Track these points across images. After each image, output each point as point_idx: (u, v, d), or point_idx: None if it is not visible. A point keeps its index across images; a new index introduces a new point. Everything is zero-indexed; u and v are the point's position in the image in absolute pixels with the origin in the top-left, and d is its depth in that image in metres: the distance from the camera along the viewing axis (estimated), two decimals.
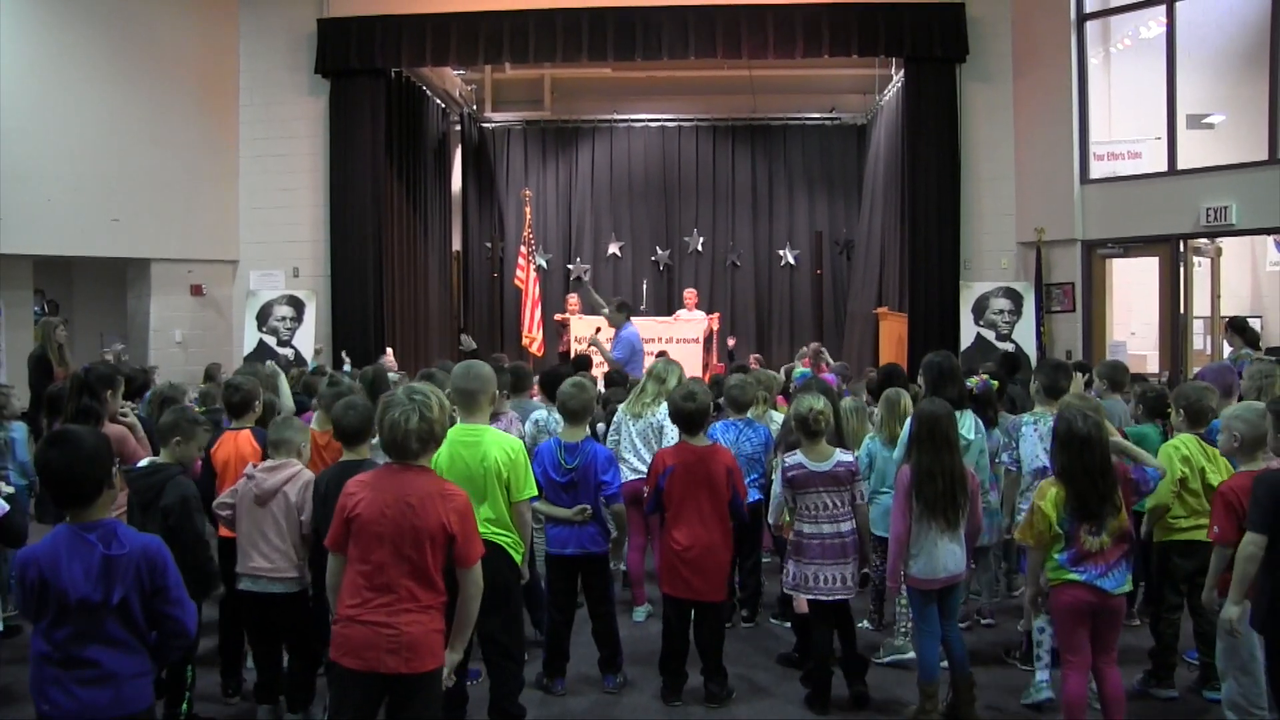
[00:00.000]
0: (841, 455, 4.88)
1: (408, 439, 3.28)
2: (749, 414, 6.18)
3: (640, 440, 6.11)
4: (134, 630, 2.92)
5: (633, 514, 6.15)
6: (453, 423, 4.48)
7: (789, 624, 5.72)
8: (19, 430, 6.06)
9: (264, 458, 4.78)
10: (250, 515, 4.57)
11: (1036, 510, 4.11)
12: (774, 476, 5.48)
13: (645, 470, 5.88)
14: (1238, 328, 8.37)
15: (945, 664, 4.76)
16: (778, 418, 6.58)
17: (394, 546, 3.23)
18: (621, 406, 6.31)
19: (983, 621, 5.99)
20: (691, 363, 11.30)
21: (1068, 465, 4.06)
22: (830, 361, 10.09)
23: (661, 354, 11.02)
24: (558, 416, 5.46)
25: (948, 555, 4.55)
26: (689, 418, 4.99)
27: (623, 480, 6.00)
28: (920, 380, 5.63)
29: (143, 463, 4.59)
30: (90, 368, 5.35)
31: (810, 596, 4.79)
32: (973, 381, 5.59)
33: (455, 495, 3.36)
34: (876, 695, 4.96)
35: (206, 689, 4.99)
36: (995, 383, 5.92)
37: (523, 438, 5.47)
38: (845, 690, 4.92)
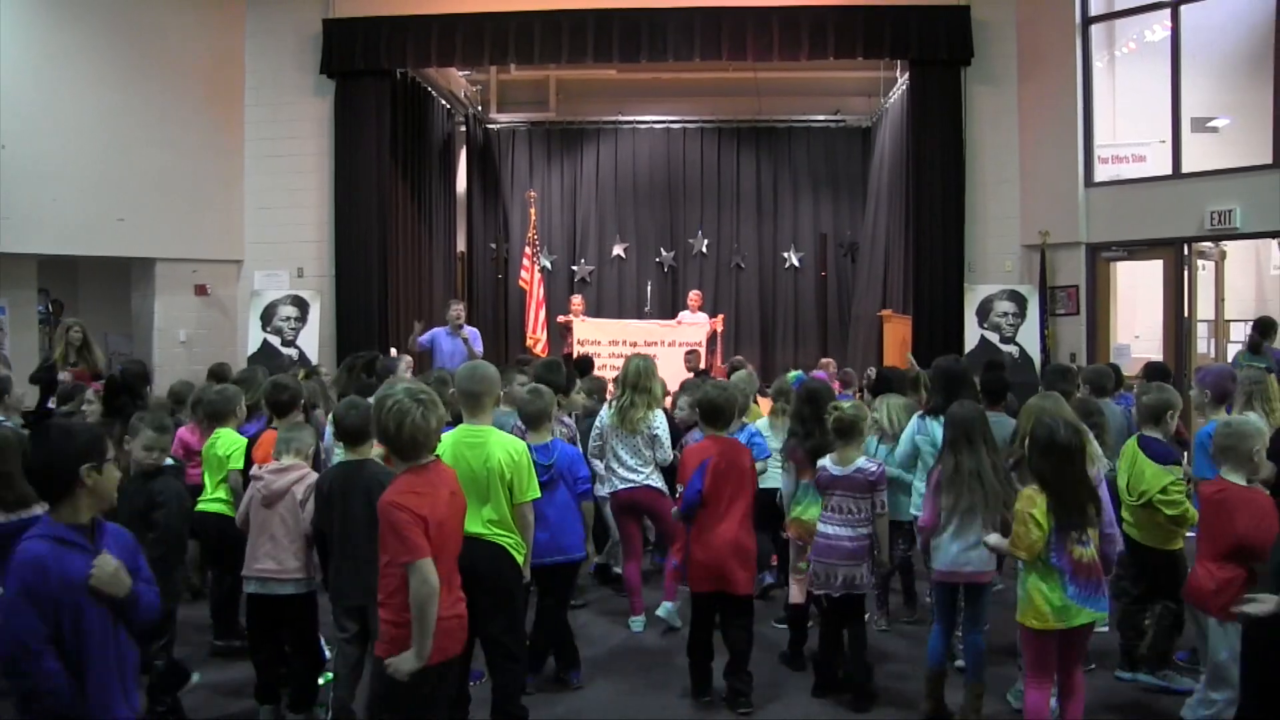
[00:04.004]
0: (863, 463, 4.92)
1: (430, 437, 3.42)
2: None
3: (628, 452, 6.03)
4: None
5: (629, 524, 6.16)
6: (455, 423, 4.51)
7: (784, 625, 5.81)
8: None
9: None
10: (257, 517, 4.58)
11: (1029, 519, 3.96)
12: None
13: (637, 479, 5.92)
14: (1265, 330, 8.28)
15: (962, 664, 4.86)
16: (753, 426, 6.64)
17: (454, 540, 3.49)
18: (606, 418, 6.19)
19: None
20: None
21: (1047, 473, 3.97)
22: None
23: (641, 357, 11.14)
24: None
25: (972, 552, 4.59)
26: (719, 410, 5.07)
27: (614, 489, 6.06)
28: (928, 385, 5.67)
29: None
30: (125, 368, 5.39)
31: (821, 592, 4.88)
32: None
33: (453, 472, 3.65)
34: (884, 693, 5.06)
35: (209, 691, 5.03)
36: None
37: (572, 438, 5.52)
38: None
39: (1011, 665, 5.35)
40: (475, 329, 10.73)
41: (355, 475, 4.37)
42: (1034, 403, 4.69)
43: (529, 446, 4.99)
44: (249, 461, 5.22)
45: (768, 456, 6.05)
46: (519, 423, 5.61)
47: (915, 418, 5.57)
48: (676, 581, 6.01)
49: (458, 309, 10.61)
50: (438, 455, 3.51)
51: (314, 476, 4.60)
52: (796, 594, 5.45)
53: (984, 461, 4.52)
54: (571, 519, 5.05)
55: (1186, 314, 10.50)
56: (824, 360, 11.31)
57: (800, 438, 5.41)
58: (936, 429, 5.29)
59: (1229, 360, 9.81)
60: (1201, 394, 5.29)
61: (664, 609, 6.07)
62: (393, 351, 10.91)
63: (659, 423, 6.01)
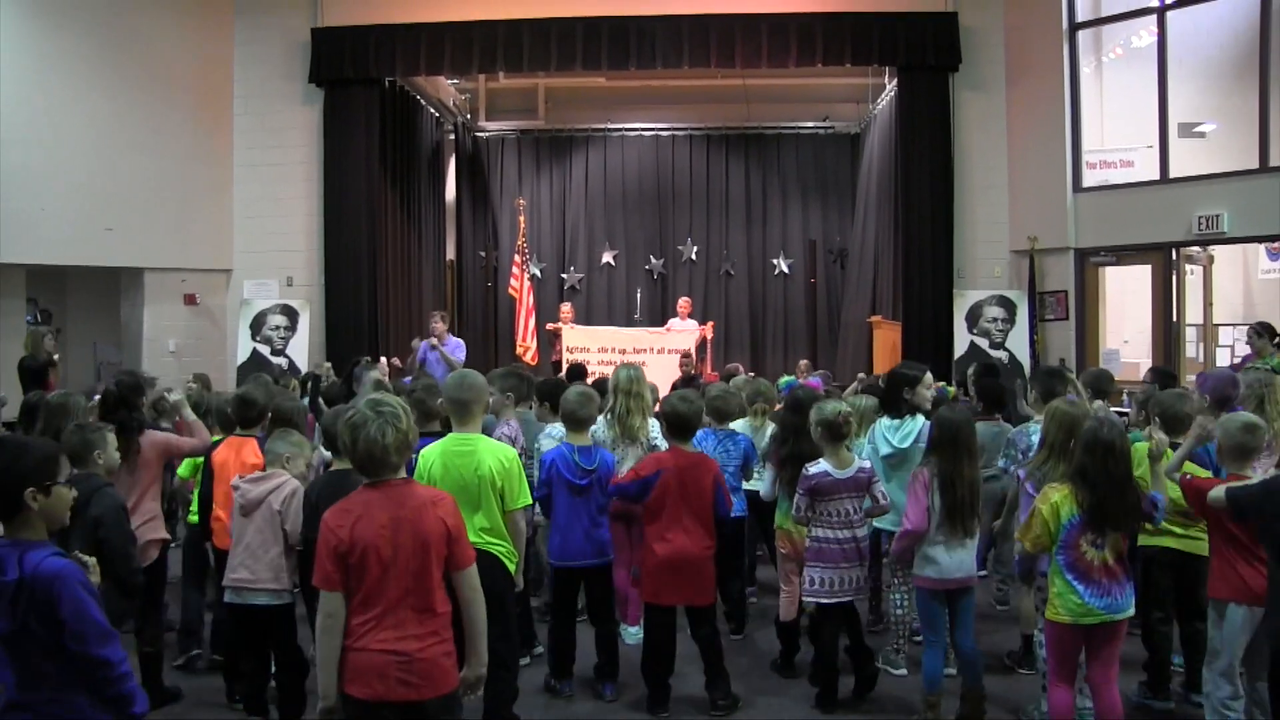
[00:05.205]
0: (861, 462, 4.96)
1: (387, 454, 3.13)
2: (741, 424, 6.25)
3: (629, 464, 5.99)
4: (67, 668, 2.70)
5: (619, 531, 6.13)
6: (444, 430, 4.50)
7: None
8: None
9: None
10: (236, 527, 4.56)
11: (1036, 513, 4.09)
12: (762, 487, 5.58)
13: None
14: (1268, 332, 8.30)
15: (955, 671, 4.84)
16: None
17: (400, 570, 3.10)
18: (604, 428, 5.98)
19: None
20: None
21: (1091, 470, 3.99)
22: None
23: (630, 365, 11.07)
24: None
25: (960, 558, 4.58)
26: (685, 421, 5.00)
27: None
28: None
29: None
30: (119, 381, 5.33)
31: (831, 600, 4.86)
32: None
33: (444, 499, 3.30)
34: (879, 694, 5.04)
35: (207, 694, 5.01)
36: (952, 390, 6.02)
37: (518, 446, 5.46)
38: (849, 688, 5.02)
39: (1000, 673, 5.36)
40: (460, 339, 10.63)
41: (342, 485, 4.31)
42: (1058, 406, 4.66)
43: (572, 447, 5.03)
44: (208, 464, 5.21)
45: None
46: (505, 430, 5.60)
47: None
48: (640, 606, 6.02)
49: (437, 324, 10.57)
50: (407, 477, 3.28)
51: (293, 485, 4.56)
52: (788, 609, 5.41)
53: (964, 468, 4.54)
54: (604, 523, 5.09)
55: (1175, 318, 10.54)
56: (801, 363, 11.31)
57: (779, 443, 5.45)
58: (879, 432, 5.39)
59: (1218, 364, 9.86)
60: (1202, 400, 5.26)
61: (630, 634, 5.99)
62: (382, 360, 10.85)
63: (656, 432, 5.98)
